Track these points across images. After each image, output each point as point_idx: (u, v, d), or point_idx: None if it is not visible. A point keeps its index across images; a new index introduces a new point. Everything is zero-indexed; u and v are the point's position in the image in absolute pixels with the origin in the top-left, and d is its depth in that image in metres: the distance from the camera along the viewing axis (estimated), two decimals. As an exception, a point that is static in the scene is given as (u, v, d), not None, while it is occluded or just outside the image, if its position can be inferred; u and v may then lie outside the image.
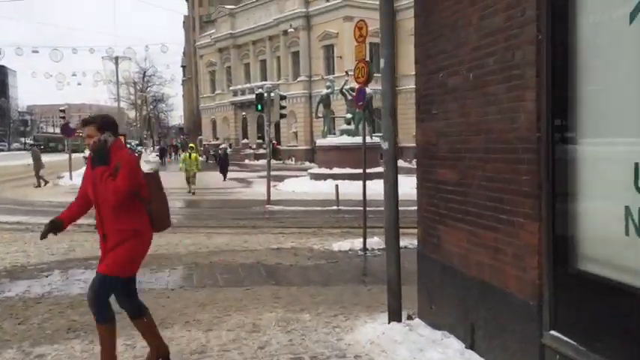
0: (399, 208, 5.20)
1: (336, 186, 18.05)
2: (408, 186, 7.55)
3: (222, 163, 29.22)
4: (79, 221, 4.41)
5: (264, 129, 17.97)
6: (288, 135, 50.61)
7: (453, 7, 4.48)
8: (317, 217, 15.66)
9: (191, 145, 26.01)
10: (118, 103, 39.31)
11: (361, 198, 22.26)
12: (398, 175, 5.16)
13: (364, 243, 10.23)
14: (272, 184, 19.42)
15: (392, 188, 5.13)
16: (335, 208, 17.54)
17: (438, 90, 4.79)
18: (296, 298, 6.65)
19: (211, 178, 29.89)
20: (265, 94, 17.30)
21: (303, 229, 12.87)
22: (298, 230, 12.73)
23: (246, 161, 51.18)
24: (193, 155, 22.75)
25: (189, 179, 22.49)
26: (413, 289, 5.38)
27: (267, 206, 17.78)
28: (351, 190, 21.07)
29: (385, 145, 5.16)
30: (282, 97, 17.88)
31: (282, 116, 17.78)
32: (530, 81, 3.50)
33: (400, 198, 5.23)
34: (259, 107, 17.55)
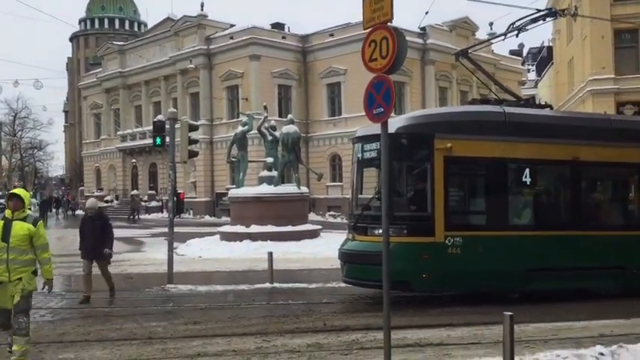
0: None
1: (270, 254, 12.73)
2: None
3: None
4: None
5: (168, 173, 12.43)
6: (186, 185, 44.50)
7: None
8: (249, 306, 10.26)
9: (15, 191, 6.46)
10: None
11: (297, 265, 17.43)
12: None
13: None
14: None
15: None
16: (268, 285, 12.28)
17: None
18: None
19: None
20: (168, 123, 11.94)
21: (239, 341, 7.46)
22: (230, 344, 7.30)
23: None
24: (25, 227, 6.22)
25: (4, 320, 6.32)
26: None
27: (168, 286, 12.07)
28: (279, 254, 15.79)
29: None
30: (193, 128, 12.56)
31: (193, 154, 12.41)
32: None
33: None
34: (159, 141, 12.06)
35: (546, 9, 11.04)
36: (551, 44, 51.93)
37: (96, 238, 10.39)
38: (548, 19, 11.28)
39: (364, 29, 5.12)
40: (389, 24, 4.88)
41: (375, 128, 10.43)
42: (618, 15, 29.94)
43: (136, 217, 40.71)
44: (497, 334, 7.53)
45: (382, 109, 5.00)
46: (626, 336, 7.74)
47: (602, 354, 6.57)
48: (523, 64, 58.09)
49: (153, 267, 15.32)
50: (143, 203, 46.05)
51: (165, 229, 14.62)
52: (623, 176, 11.43)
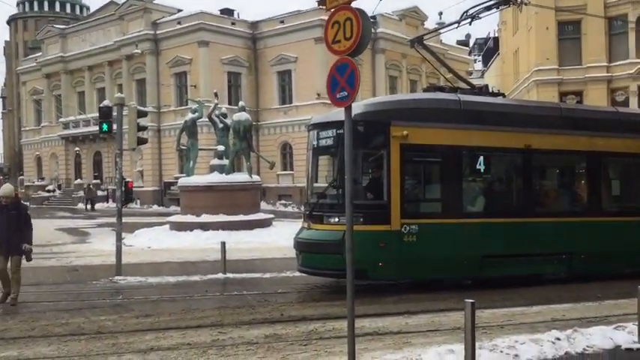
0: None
1: (223, 244, 12.47)
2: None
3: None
4: None
5: (115, 161, 11.91)
6: (132, 174, 43.25)
7: None
8: (202, 297, 9.98)
9: None
10: None
11: (250, 255, 17.13)
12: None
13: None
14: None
15: None
16: (221, 275, 12.03)
17: None
18: None
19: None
20: (115, 109, 11.44)
21: (193, 334, 7.22)
22: (184, 337, 7.04)
23: (80, 205, 42.72)
24: None
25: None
26: None
27: (116, 278, 11.64)
28: (231, 243, 15.53)
29: None
30: (142, 114, 12.08)
31: (142, 141, 11.96)
32: None
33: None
34: (105, 128, 11.56)
35: (499, -4, 11.08)
36: (497, 35, 52.96)
37: (11, 230, 8.99)
38: (501, 7, 11.36)
39: (326, 10, 4.93)
40: (353, 4, 4.72)
41: (331, 115, 10.32)
42: (562, 6, 30.73)
43: (93, 207, 39.70)
44: (455, 321, 7.57)
45: (346, 93, 4.83)
46: (578, 320, 7.90)
47: (558, 339, 6.66)
48: (470, 54, 59.06)
49: (99, 258, 14.79)
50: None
51: (112, 219, 14.10)
52: (571, 164, 11.68)
